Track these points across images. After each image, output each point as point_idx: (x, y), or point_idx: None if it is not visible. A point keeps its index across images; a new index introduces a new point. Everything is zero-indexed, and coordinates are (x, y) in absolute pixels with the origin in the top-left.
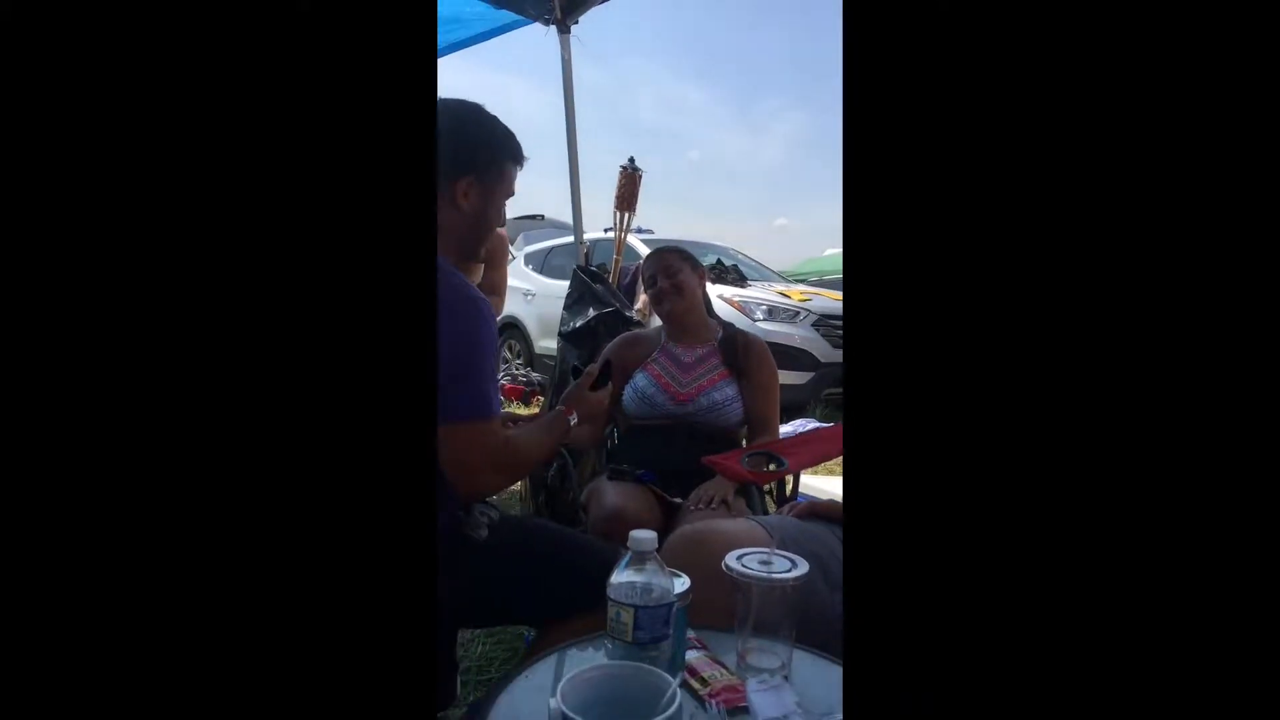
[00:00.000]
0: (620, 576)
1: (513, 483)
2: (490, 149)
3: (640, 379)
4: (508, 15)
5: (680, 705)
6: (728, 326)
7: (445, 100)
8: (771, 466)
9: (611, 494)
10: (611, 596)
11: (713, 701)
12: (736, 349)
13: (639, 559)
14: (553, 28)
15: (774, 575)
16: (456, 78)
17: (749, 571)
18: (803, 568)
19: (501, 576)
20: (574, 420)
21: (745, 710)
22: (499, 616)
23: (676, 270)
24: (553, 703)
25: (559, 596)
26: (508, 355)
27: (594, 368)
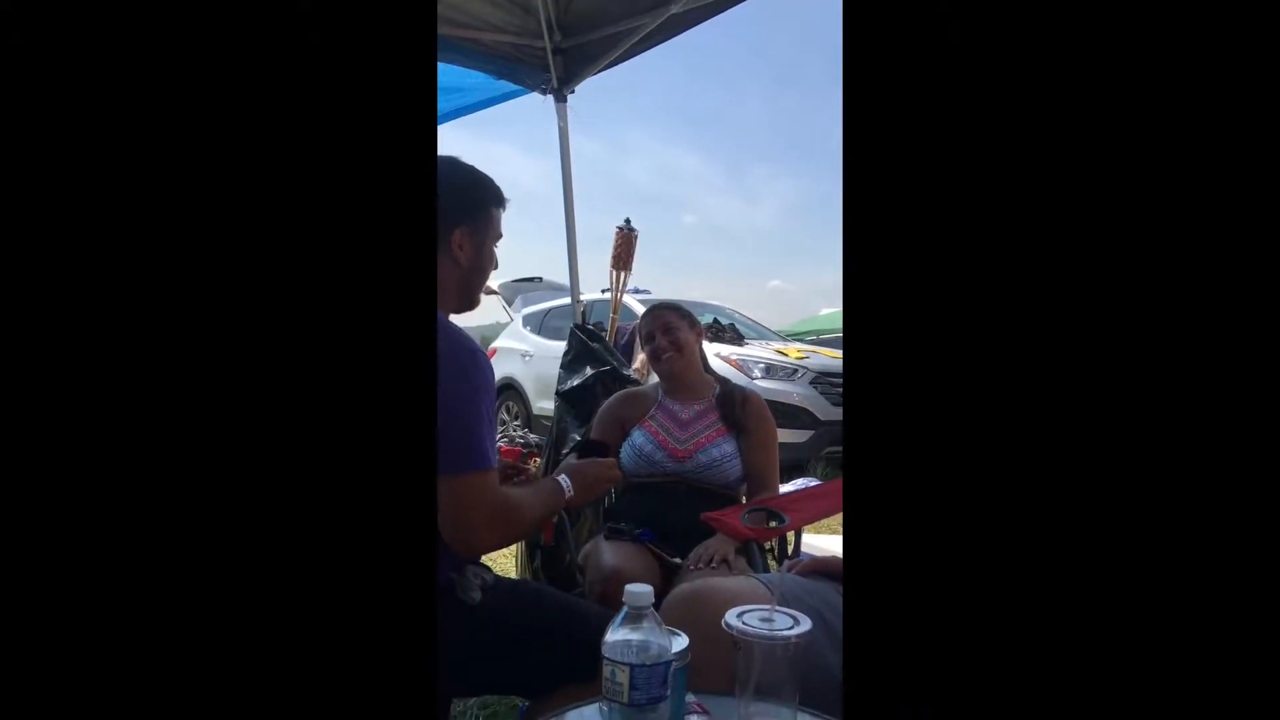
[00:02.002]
0: (615, 634)
1: (508, 543)
2: (475, 195)
3: (638, 436)
4: (506, 85)
5: None
6: (724, 382)
7: None
8: (772, 524)
9: (609, 554)
10: (607, 655)
11: None
12: (734, 405)
13: (635, 616)
14: (550, 96)
15: (776, 633)
16: (456, 146)
17: (750, 629)
18: (805, 625)
19: (494, 642)
20: (569, 489)
21: None
22: (490, 685)
23: (674, 328)
24: None
25: (554, 666)
26: (505, 417)
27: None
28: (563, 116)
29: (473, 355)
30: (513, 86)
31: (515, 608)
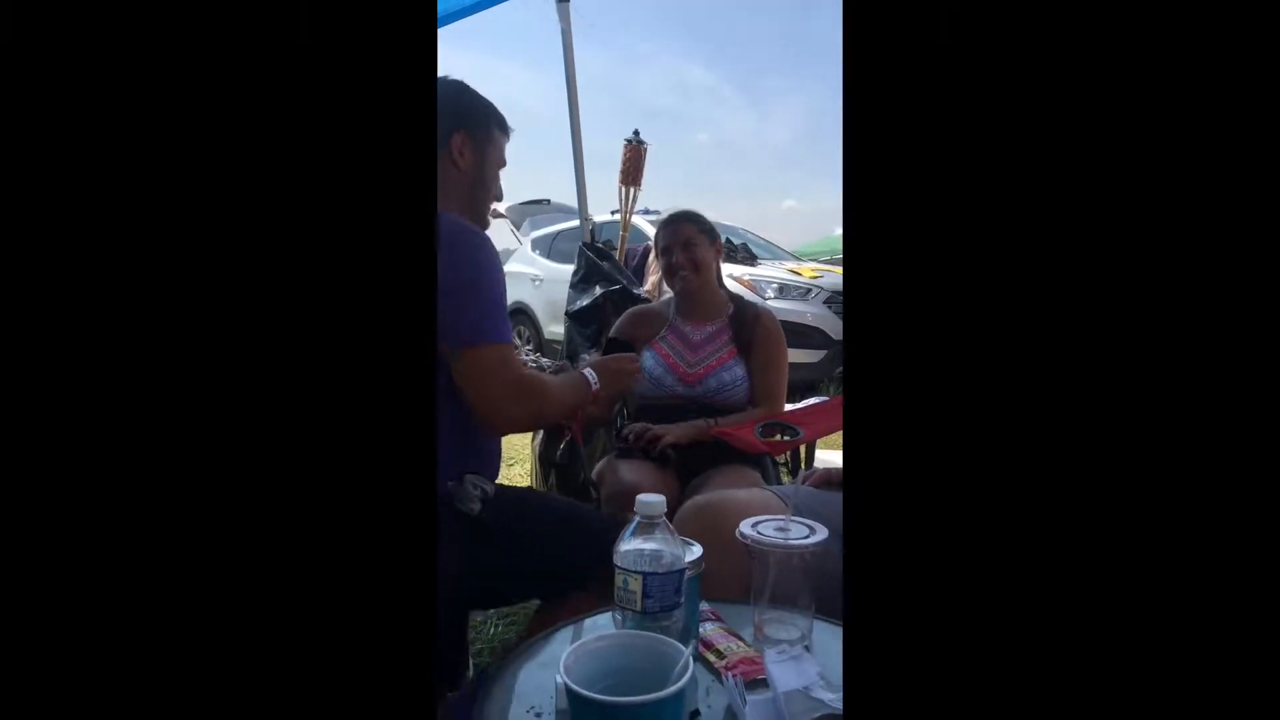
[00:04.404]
0: (628, 544)
1: (536, 422)
2: (477, 111)
3: (648, 358)
4: None
5: (693, 675)
6: (739, 300)
7: None
8: (785, 437)
9: (624, 470)
10: (619, 564)
11: (729, 674)
12: (746, 323)
13: (646, 525)
14: None
15: (791, 541)
16: (454, 59)
17: (765, 538)
18: (821, 534)
19: (500, 553)
20: (594, 382)
21: (764, 683)
22: (502, 597)
23: (694, 244)
24: (558, 677)
25: (564, 574)
26: (516, 341)
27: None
28: (564, 18)
29: (473, 235)
30: None
31: (517, 519)
